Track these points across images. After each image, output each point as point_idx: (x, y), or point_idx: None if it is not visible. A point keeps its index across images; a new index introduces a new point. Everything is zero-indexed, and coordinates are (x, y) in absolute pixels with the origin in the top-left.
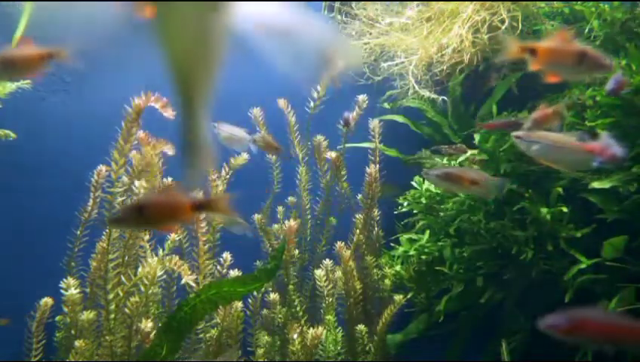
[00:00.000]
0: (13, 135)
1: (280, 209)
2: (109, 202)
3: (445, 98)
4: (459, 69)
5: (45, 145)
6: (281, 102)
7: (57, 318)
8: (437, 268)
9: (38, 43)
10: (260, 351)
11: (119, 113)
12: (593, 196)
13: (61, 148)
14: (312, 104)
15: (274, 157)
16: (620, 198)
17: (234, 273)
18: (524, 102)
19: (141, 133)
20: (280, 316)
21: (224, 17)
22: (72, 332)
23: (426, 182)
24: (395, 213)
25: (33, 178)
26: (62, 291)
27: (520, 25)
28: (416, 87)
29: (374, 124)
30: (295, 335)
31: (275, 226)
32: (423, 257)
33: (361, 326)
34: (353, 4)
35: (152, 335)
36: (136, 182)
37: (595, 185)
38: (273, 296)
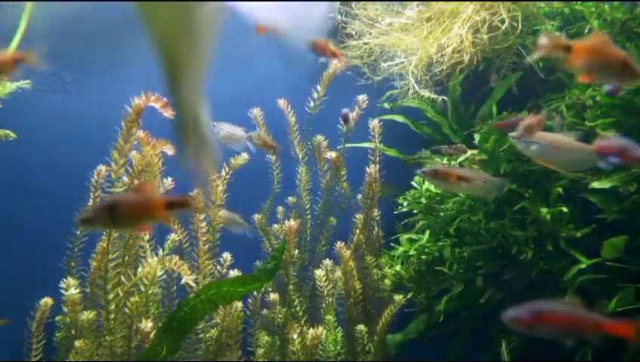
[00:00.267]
0: (13, 135)
1: (280, 209)
2: None
3: (445, 98)
4: (459, 69)
5: (45, 145)
6: (281, 102)
7: (57, 318)
8: (437, 268)
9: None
10: (260, 351)
11: (119, 113)
12: (593, 196)
13: (61, 148)
14: (312, 104)
15: (274, 157)
16: (620, 198)
17: (234, 273)
18: (524, 102)
19: (141, 133)
20: (280, 316)
21: None
22: (72, 332)
23: (426, 182)
24: (395, 213)
25: (33, 178)
26: (62, 291)
27: (520, 25)
28: (416, 87)
29: (374, 124)
30: (295, 335)
31: (275, 226)
32: (423, 257)
33: (361, 326)
34: (353, 4)
35: (152, 335)
36: (136, 182)
37: (595, 185)
38: (273, 296)
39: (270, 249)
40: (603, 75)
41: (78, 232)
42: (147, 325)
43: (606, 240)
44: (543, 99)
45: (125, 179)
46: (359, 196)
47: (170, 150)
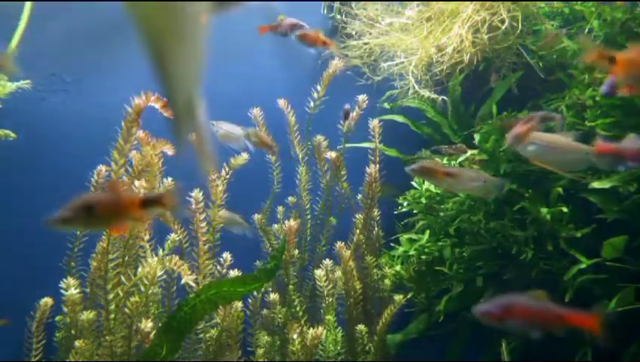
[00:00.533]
0: (13, 135)
1: (280, 209)
2: None
3: (445, 98)
4: (459, 69)
5: (45, 145)
6: (281, 102)
7: (57, 318)
8: (437, 268)
9: None
10: (260, 351)
11: (119, 113)
12: (593, 196)
13: (61, 148)
14: (312, 104)
15: (274, 157)
16: (620, 198)
17: (234, 273)
18: (524, 102)
19: (141, 133)
20: (280, 316)
21: None
22: (72, 332)
23: (426, 182)
24: (395, 213)
25: (33, 178)
26: (62, 291)
27: (520, 25)
28: (416, 87)
29: (374, 124)
30: (295, 335)
31: (275, 226)
32: (423, 257)
33: (361, 326)
34: (353, 4)
35: (152, 335)
36: (136, 182)
37: (595, 185)
38: (273, 296)
39: (270, 249)
40: None
41: (78, 232)
42: (147, 325)
43: (606, 240)
44: (543, 99)
45: (125, 179)
46: (359, 196)
47: (170, 150)
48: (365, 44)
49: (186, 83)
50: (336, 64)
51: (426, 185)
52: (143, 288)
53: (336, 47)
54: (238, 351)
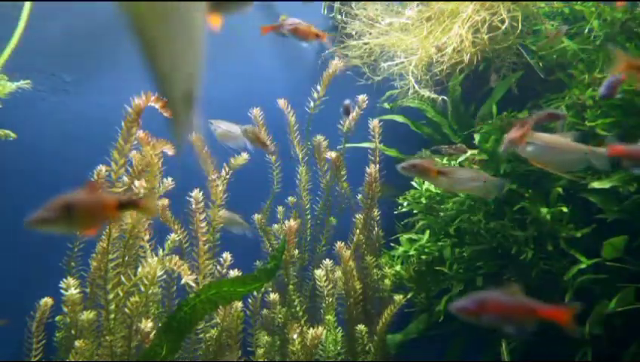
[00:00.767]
0: (13, 135)
1: (280, 209)
2: None
3: (445, 98)
4: (459, 69)
5: (45, 145)
6: (281, 102)
7: (57, 318)
8: (437, 268)
9: None
10: (260, 351)
11: (119, 113)
12: (593, 196)
13: (61, 148)
14: (312, 104)
15: (274, 157)
16: (620, 198)
17: (234, 273)
18: (524, 102)
19: (141, 133)
20: (280, 316)
21: None
22: (72, 332)
23: (426, 182)
24: (395, 213)
25: (33, 178)
26: (62, 291)
27: (520, 25)
28: (416, 87)
29: (374, 124)
30: (295, 335)
31: (275, 226)
32: (423, 257)
33: (361, 326)
34: (353, 4)
35: (152, 335)
36: (136, 182)
37: (595, 185)
38: (273, 296)
39: (270, 249)
40: None
41: (78, 232)
42: (147, 325)
43: (606, 240)
44: (543, 99)
45: (125, 179)
46: (359, 196)
47: (170, 150)
48: (365, 44)
49: (182, 77)
50: (336, 64)
51: (426, 185)
52: (143, 288)
53: (328, 39)
54: (238, 351)
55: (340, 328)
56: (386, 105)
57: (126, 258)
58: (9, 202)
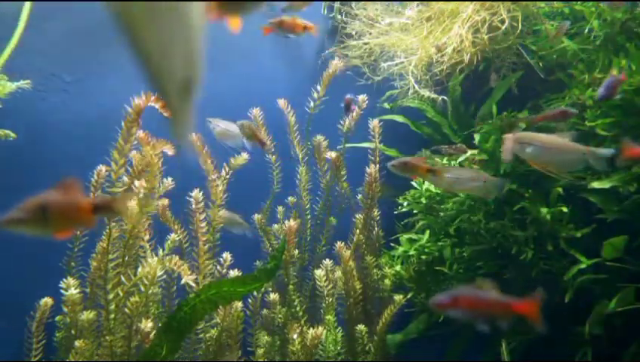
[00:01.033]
0: (13, 135)
1: (280, 209)
2: None
3: (445, 98)
4: (459, 69)
5: (45, 145)
6: (281, 102)
7: (57, 318)
8: (437, 268)
9: None
10: (260, 351)
11: (119, 113)
12: (593, 196)
13: (61, 148)
14: (312, 104)
15: (273, 157)
16: (620, 198)
17: (234, 273)
18: (524, 102)
19: (141, 133)
20: (280, 316)
21: None
22: (72, 332)
23: (426, 182)
24: (395, 213)
25: (33, 178)
26: (62, 291)
27: (520, 25)
28: (416, 87)
29: (374, 124)
30: (295, 335)
31: (275, 226)
32: (423, 257)
33: (361, 326)
34: (353, 4)
35: (152, 335)
36: (136, 182)
37: (595, 185)
38: (273, 296)
39: (270, 249)
40: None
41: (78, 232)
42: (147, 325)
43: (606, 240)
44: (543, 99)
45: (125, 179)
46: (359, 196)
47: (170, 150)
48: (365, 44)
49: (176, 64)
50: (336, 64)
51: (426, 185)
52: (143, 288)
53: (317, 30)
54: (238, 351)
55: (339, 328)
56: (386, 105)
57: (126, 258)
58: (9, 202)
